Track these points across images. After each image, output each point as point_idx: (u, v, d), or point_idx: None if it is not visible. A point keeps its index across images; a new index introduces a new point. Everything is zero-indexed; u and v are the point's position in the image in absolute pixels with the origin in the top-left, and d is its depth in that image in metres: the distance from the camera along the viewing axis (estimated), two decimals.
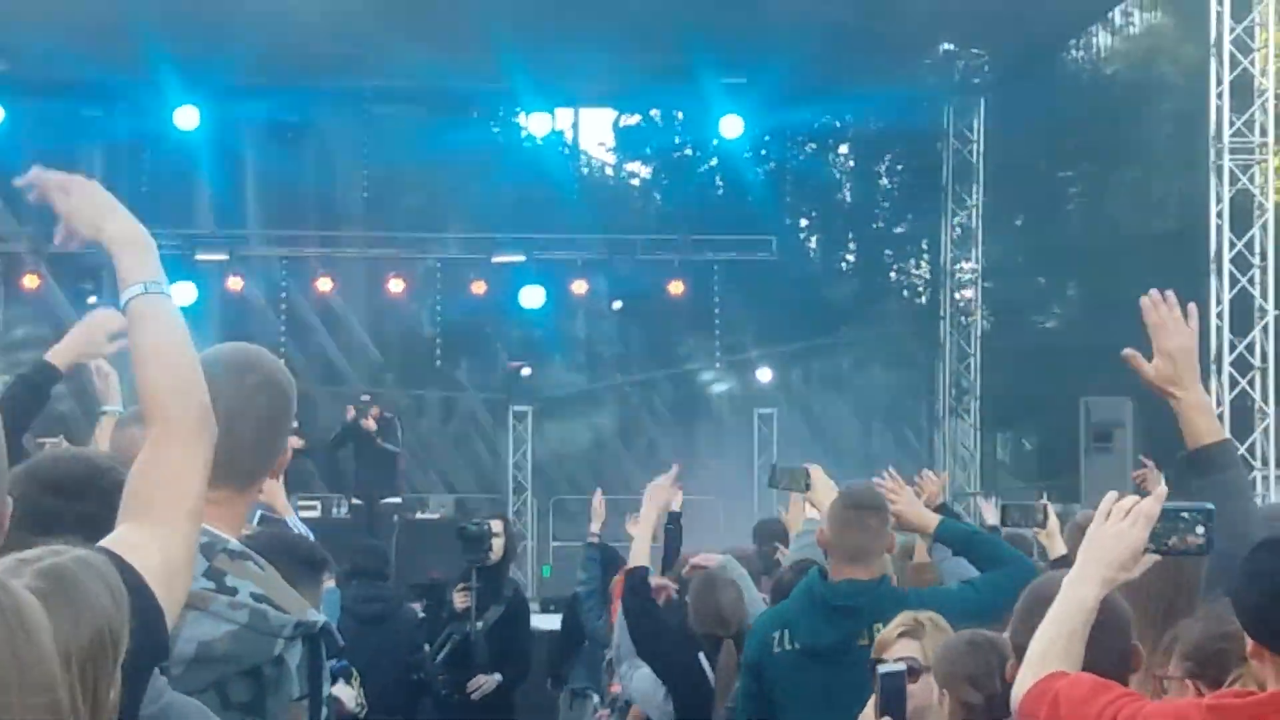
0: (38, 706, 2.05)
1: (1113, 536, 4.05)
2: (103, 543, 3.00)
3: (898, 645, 5.78)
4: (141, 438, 5.48)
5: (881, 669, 5.61)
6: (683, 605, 9.00)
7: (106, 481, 3.41)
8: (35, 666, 2.06)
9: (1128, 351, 4.78)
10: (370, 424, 21.80)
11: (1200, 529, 4.01)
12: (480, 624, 11.58)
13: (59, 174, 3.42)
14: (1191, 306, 4.82)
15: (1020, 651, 4.42)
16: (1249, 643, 3.52)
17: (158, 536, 3.03)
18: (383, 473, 22.04)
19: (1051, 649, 4.02)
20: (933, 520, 7.56)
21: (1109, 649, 4.25)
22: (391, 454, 22.05)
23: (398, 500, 22.22)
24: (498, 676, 11.63)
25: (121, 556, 2.95)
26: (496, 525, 11.95)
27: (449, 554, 12.94)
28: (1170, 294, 4.79)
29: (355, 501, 22.04)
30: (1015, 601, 5.37)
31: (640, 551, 8.79)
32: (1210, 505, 4.07)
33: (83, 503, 3.22)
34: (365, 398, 22.73)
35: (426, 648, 11.55)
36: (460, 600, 11.61)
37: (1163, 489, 4.12)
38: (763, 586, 9.07)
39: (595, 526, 12.18)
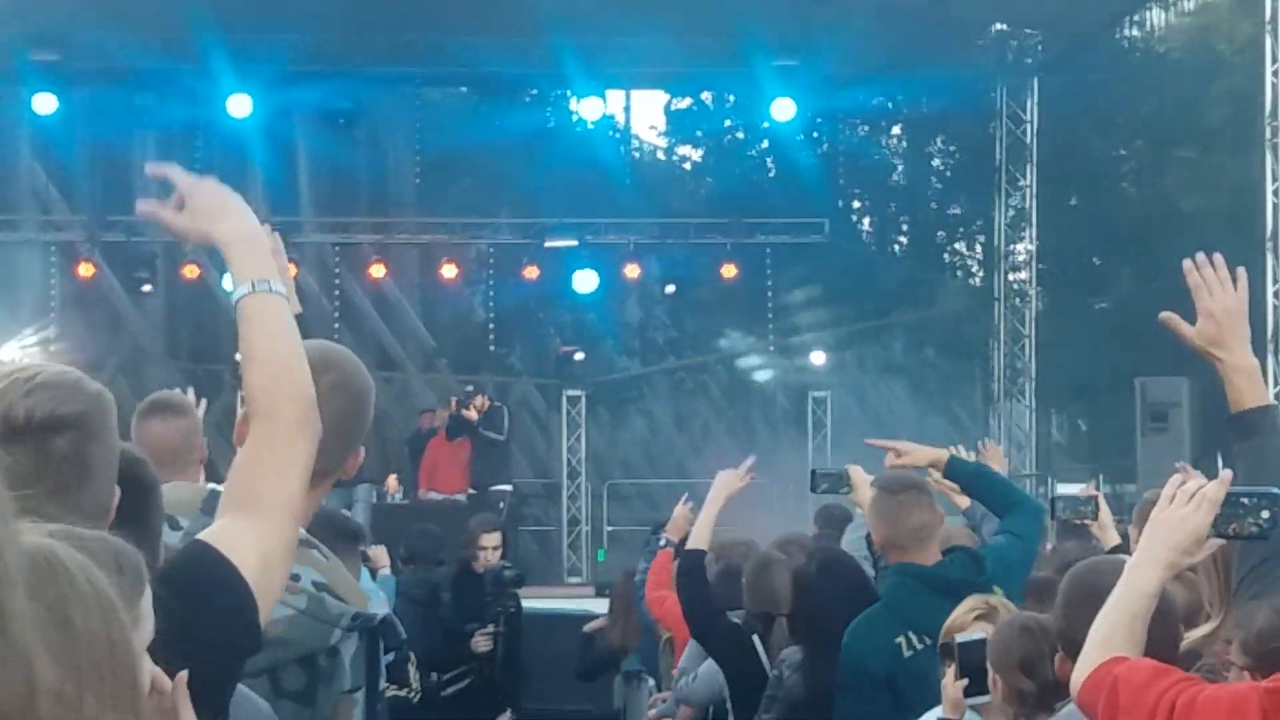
0: (126, 683, 2.06)
1: (1176, 521, 4.01)
2: (202, 535, 3.07)
3: (973, 627, 5.76)
4: (162, 430, 5.51)
5: (960, 638, 5.60)
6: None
7: (120, 462, 3.42)
8: (123, 646, 2.07)
9: (1165, 315, 4.72)
10: (472, 414, 22.13)
11: (1265, 513, 3.97)
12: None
13: (183, 178, 3.42)
14: (1240, 270, 4.72)
15: (1065, 642, 4.39)
16: None
17: (257, 531, 3.07)
18: (491, 461, 22.36)
19: (1114, 634, 3.98)
20: (943, 455, 7.54)
21: (1162, 636, 4.23)
22: (496, 442, 22.30)
23: (508, 488, 22.53)
24: (510, 714, 11.74)
25: (218, 549, 2.98)
26: (495, 538, 11.99)
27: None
28: (1217, 256, 4.70)
29: (471, 490, 22.33)
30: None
31: (702, 534, 8.83)
32: (1276, 490, 4.02)
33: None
34: (469, 388, 23.08)
35: (434, 676, 11.37)
36: (483, 643, 11.56)
37: (1227, 473, 4.08)
38: None
39: (673, 534, 11.88)
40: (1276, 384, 18.60)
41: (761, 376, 28.58)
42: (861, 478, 8.10)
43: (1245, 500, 3.99)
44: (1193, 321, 4.69)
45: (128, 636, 2.09)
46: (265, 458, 3.15)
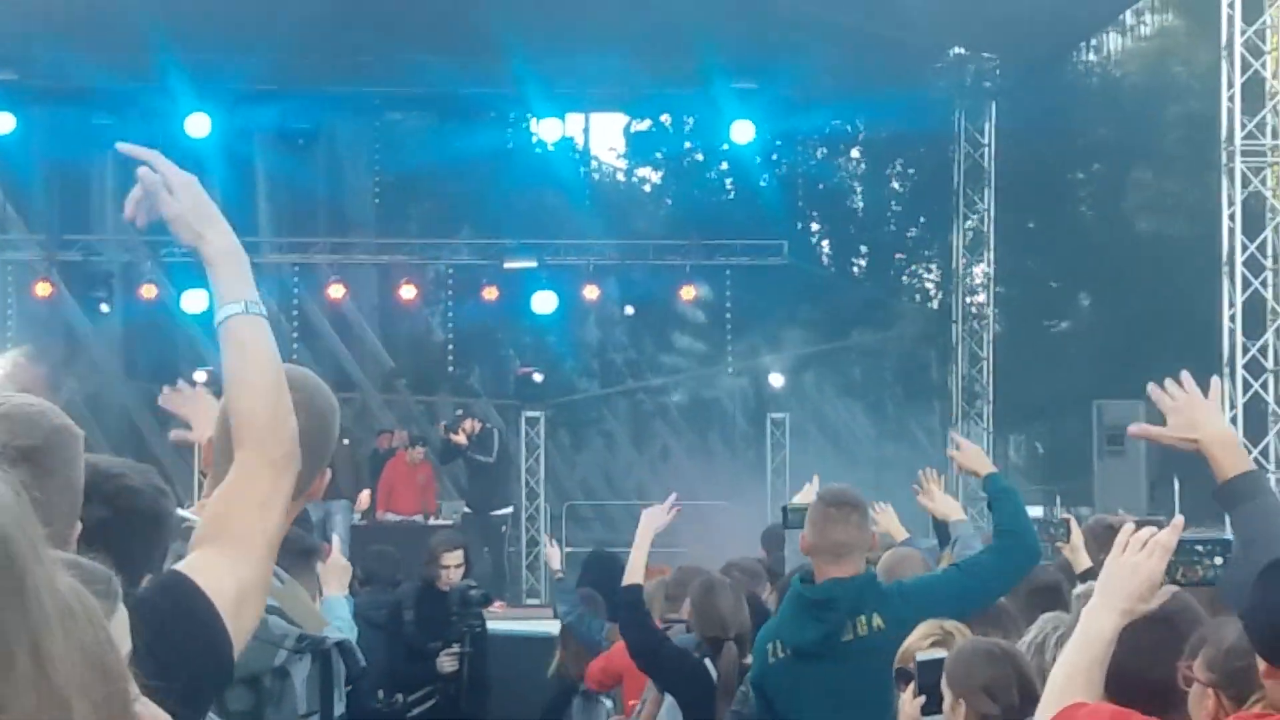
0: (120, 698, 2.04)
1: (1130, 568, 4.06)
2: (179, 566, 3.03)
3: (928, 652, 5.78)
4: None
5: (920, 656, 5.63)
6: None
7: (110, 487, 3.39)
8: (116, 666, 2.05)
9: (1134, 428, 4.87)
10: (460, 438, 22.28)
11: (1218, 559, 4.01)
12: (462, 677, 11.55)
13: (170, 169, 3.35)
14: (1185, 375, 4.84)
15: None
16: (1262, 664, 3.50)
17: (234, 563, 3.02)
18: (486, 484, 22.63)
19: (1072, 680, 4.02)
20: (988, 468, 7.72)
21: (1158, 659, 4.25)
22: (487, 465, 22.41)
23: (508, 510, 22.64)
24: None
25: (195, 581, 2.95)
26: (457, 556, 11.92)
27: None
28: (1185, 375, 4.83)
29: (466, 511, 22.60)
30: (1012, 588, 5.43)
31: (636, 569, 8.87)
32: (1227, 536, 4.07)
33: (88, 509, 3.21)
34: (458, 412, 23.16)
35: (400, 698, 11.31)
36: (449, 663, 11.49)
37: (1179, 520, 4.12)
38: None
39: (555, 565, 12.27)
40: (1232, 408, 18.69)
41: (720, 398, 28.61)
42: None
43: (1199, 546, 4.04)
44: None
45: (119, 654, 2.08)
46: (249, 490, 3.10)
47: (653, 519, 9.02)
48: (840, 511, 7.12)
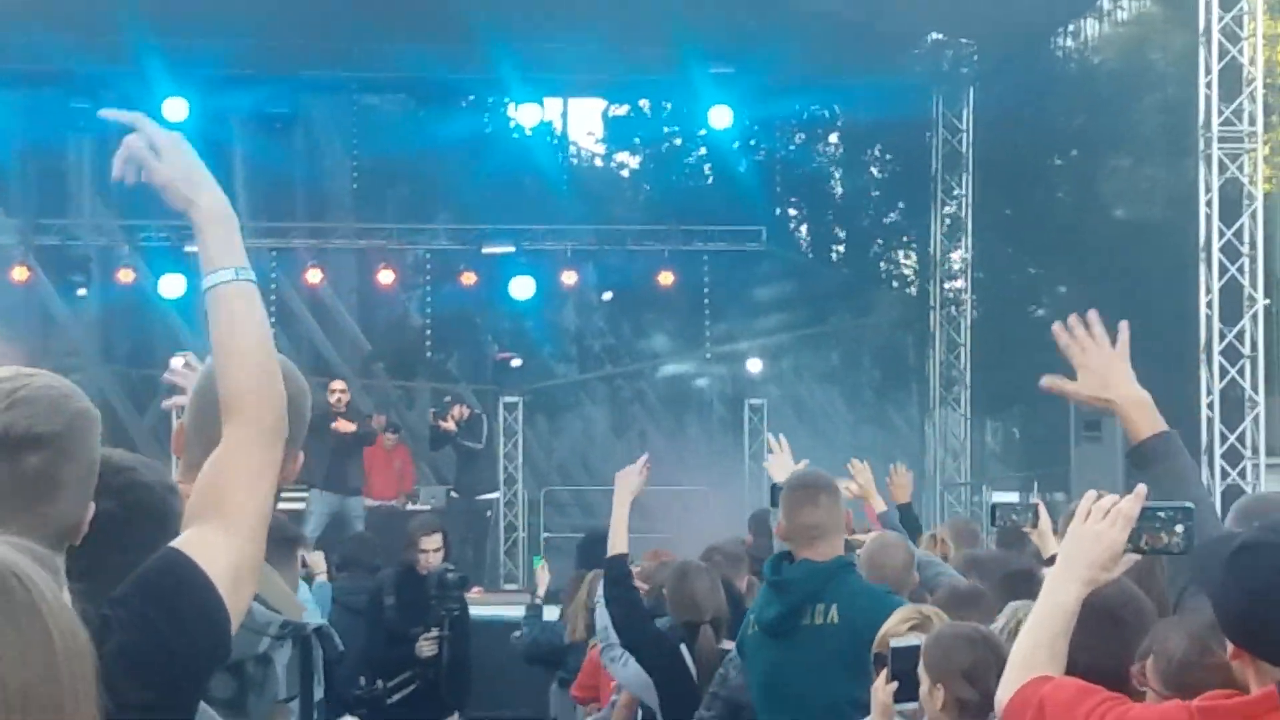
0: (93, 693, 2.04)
1: (1091, 537, 4.04)
2: (175, 543, 3.00)
3: (906, 636, 5.79)
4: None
5: (894, 643, 5.64)
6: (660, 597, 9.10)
7: (120, 481, 3.37)
8: (90, 654, 2.05)
9: (1047, 381, 4.86)
10: (449, 425, 22.40)
11: (1179, 527, 4.01)
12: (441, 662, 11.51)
13: (155, 130, 3.30)
14: (1091, 314, 4.89)
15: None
16: (1230, 645, 3.50)
17: (229, 539, 3.00)
18: (474, 470, 22.76)
19: (1035, 653, 4.01)
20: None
21: (1132, 642, 4.25)
22: (476, 451, 22.55)
23: (494, 495, 22.72)
24: (457, 717, 11.69)
25: (192, 559, 2.93)
26: (436, 540, 11.87)
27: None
28: (1091, 313, 4.88)
29: (453, 496, 22.73)
30: None
31: (618, 540, 8.84)
32: (1190, 504, 4.06)
33: (98, 500, 3.19)
34: (447, 399, 23.24)
35: (380, 683, 11.28)
36: (428, 648, 11.47)
37: (1142, 488, 4.11)
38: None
39: (541, 590, 12.43)
40: (1209, 394, 18.73)
41: (698, 384, 28.61)
42: None
43: (1161, 514, 4.03)
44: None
45: (89, 646, 2.07)
46: (241, 463, 3.07)
47: (627, 482, 8.96)
48: (807, 494, 7.19)
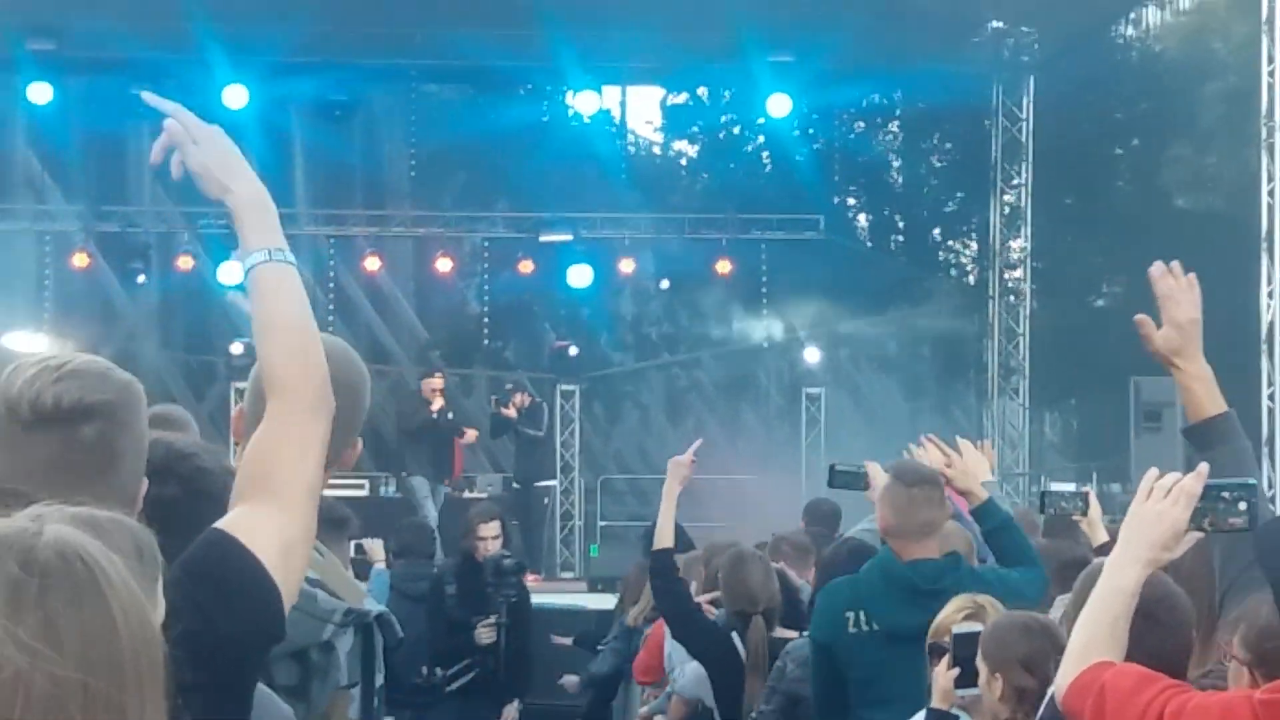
0: (160, 677, 2.02)
1: (1153, 516, 3.99)
2: (220, 524, 2.99)
3: (963, 625, 5.77)
4: None
5: (956, 629, 5.61)
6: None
7: (186, 467, 3.39)
8: (155, 641, 2.04)
9: (1140, 317, 4.80)
10: (510, 411, 22.56)
11: (1243, 505, 3.95)
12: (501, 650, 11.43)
13: (193, 121, 3.35)
14: (1192, 277, 4.84)
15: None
16: None
17: (276, 518, 2.99)
18: (533, 457, 22.97)
19: (1095, 638, 3.96)
20: (982, 495, 7.56)
21: (1167, 641, 4.21)
22: (537, 439, 22.78)
23: (552, 483, 22.82)
24: (517, 704, 11.56)
25: (238, 539, 2.93)
26: (494, 527, 11.74)
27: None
28: (1175, 265, 4.83)
29: (515, 485, 22.92)
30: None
31: (665, 532, 8.81)
32: (1253, 481, 4.01)
33: (161, 487, 3.19)
34: (508, 386, 23.28)
35: (439, 672, 11.12)
36: (486, 635, 11.33)
37: (1205, 466, 4.07)
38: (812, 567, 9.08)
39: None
40: (1270, 385, 18.61)
41: (755, 373, 28.57)
42: (880, 475, 8.11)
43: (1224, 494, 3.98)
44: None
45: (158, 632, 2.06)
46: (284, 438, 3.07)
47: (676, 472, 8.92)
48: (923, 490, 7.08)
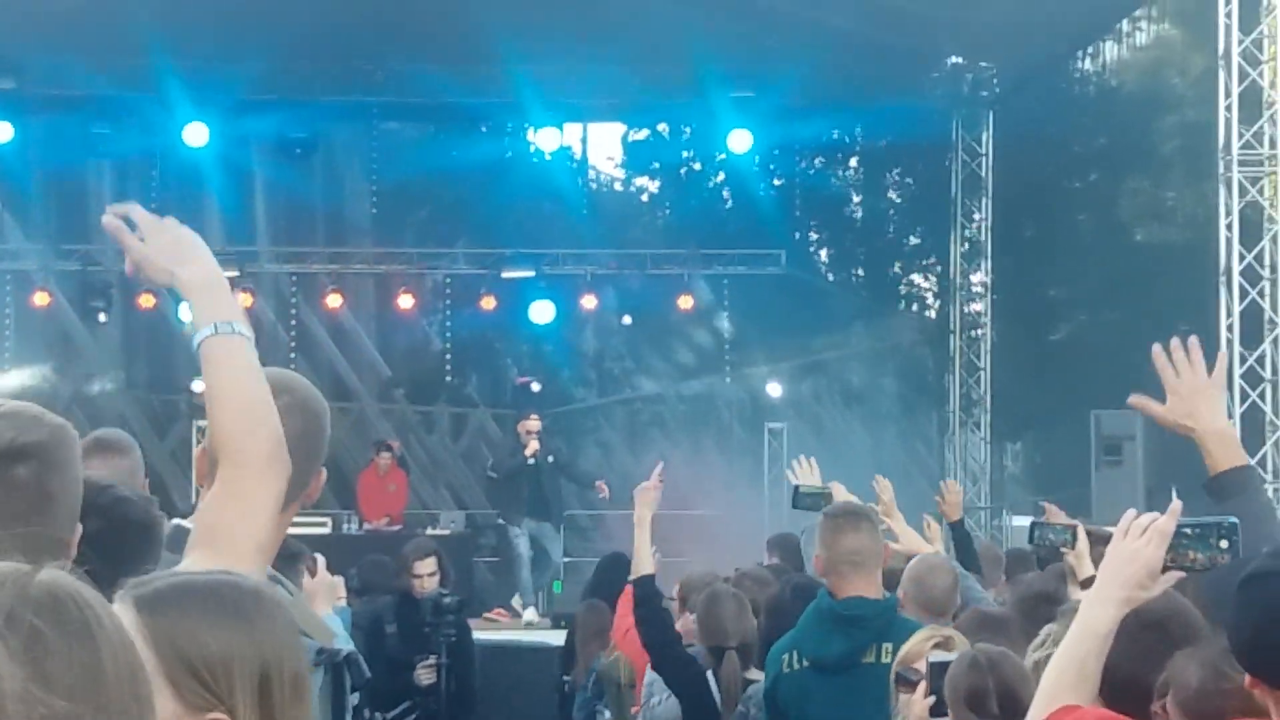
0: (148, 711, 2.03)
1: (1129, 555, 3.98)
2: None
3: (931, 654, 5.78)
4: (103, 469, 5.48)
5: (932, 658, 5.61)
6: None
7: (104, 499, 3.43)
8: (144, 678, 2.04)
9: (1135, 399, 4.81)
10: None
11: (1224, 543, 3.95)
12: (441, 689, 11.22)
13: (145, 216, 3.41)
14: (1193, 341, 4.84)
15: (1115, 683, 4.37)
16: (1246, 676, 3.47)
17: (225, 566, 3.00)
18: (520, 495, 22.23)
19: (1062, 679, 3.95)
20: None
21: (1151, 663, 4.22)
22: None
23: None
24: None
25: None
26: (430, 564, 11.56)
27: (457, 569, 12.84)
28: (1192, 339, 4.83)
29: (500, 523, 22.03)
30: None
31: (643, 558, 8.79)
32: (1234, 518, 4.01)
33: (85, 523, 3.22)
34: (492, 472, 22.58)
35: (379, 716, 10.84)
36: (426, 676, 11.17)
37: (1178, 504, 4.07)
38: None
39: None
40: (1230, 417, 18.68)
41: (718, 408, 28.58)
42: (844, 495, 8.18)
43: (1201, 530, 3.98)
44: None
45: (148, 676, 2.06)
46: (233, 500, 3.14)
47: (645, 498, 8.90)
48: (849, 520, 7.13)
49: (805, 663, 7.07)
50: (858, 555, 7.05)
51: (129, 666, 2.01)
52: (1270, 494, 18.45)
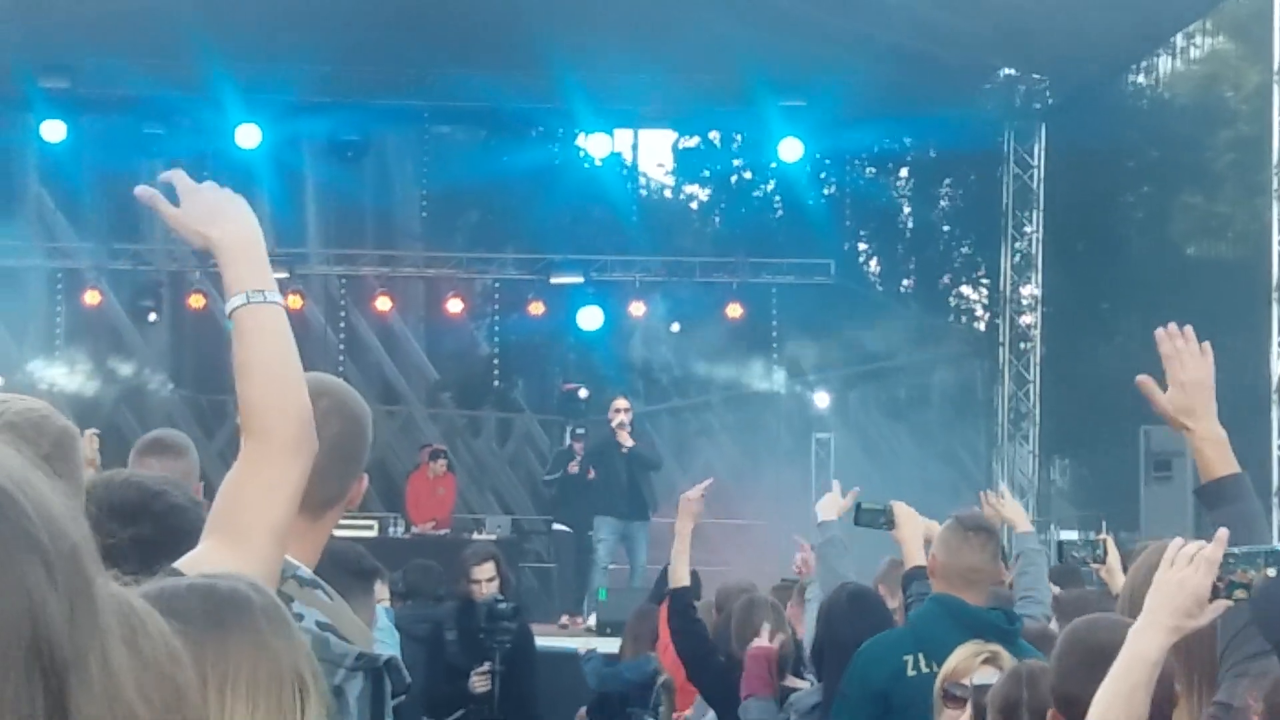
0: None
1: (1176, 584, 3.97)
2: (178, 563, 2.98)
3: (980, 672, 5.76)
4: (159, 469, 5.46)
5: (977, 679, 5.58)
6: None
7: (159, 505, 3.40)
8: (195, 693, 2.02)
9: (1142, 378, 4.78)
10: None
11: (1272, 570, 3.94)
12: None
13: (184, 181, 3.37)
14: (1206, 345, 4.80)
15: (1058, 697, 4.36)
16: None
17: (237, 557, 2.98)
18: (586, 498, 22.05)
19: (1111, 709, 3.94)
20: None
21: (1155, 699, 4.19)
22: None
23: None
24: None
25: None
26: (488, 569, 11.45)
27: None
28: (1188, 329, 4.79)
29: (559, 527, 21.87)
30: None
31: (680, 571, 8.79)
32: (1275, 546, 4.00)
33: (136, 527, 3.20)
34: (580, 430, 22.27)
35: None
36: (480, 684, 11.03)
37: (1224, 532, 4.05)
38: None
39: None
40: (1279, 436, 18.57)
41: (765, 417, 28.51)
42: (905, 513, 8.10)
43: (1248, 557, 3.97)
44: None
45: (193, 685, 2.05)
46: (252, 478, 3.08)
47: (688, 508, 8.89)
48: (978, 537, 7.05)
49: (936, 668, 6.92)
50: (976, 573, 6.99)
51: (174, 688, 1.99)
52: None
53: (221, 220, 3.31)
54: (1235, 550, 3.98)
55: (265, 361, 3.18)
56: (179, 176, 3.37)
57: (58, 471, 2.93)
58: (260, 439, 3.11)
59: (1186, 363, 4.73)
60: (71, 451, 3.02)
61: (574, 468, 20.88)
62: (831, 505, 8.43)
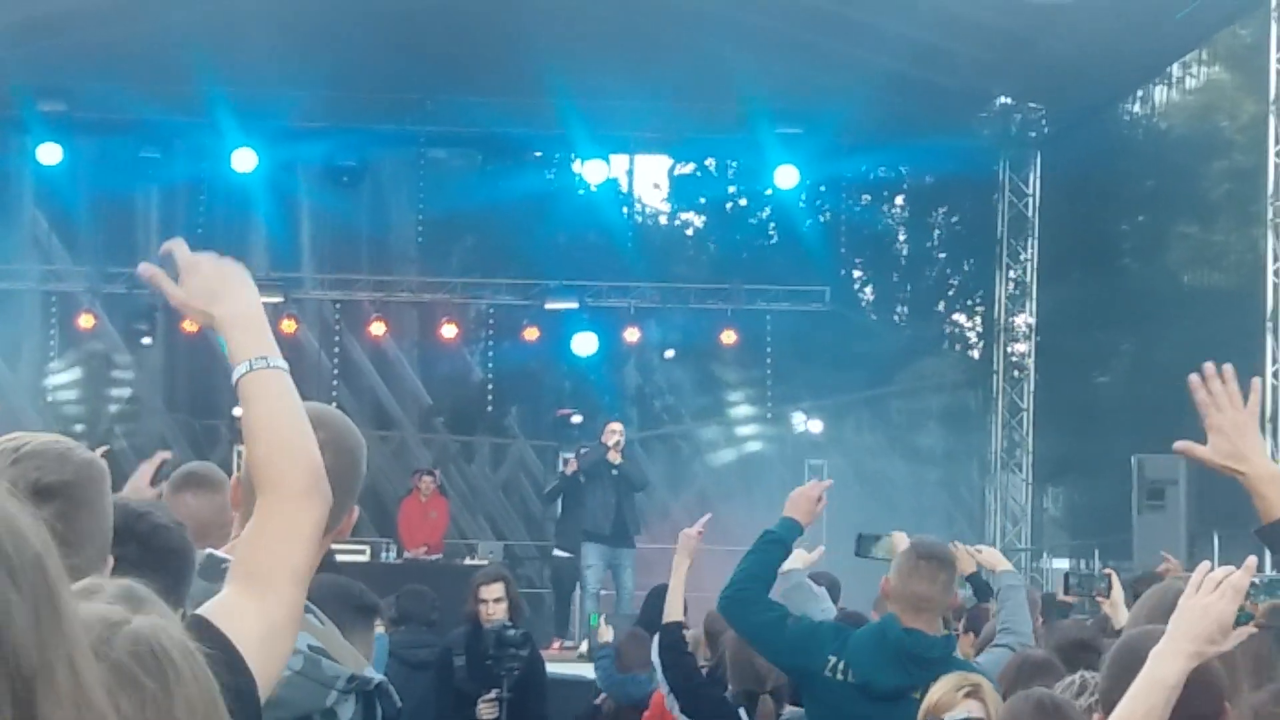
0: None
1: (1200, 610, 3.96)
2: (202, 609, 3.04)
3: (962, 705, 5.74)
4: (194, 503, 5.51)
5: (960, 712, 5.57)
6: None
7: (143, 526, 3.43)
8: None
9: (1179, 445, 4.67)
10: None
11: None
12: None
13: (184, 256, 3.43)
14: (1255, 381, 4.67)
15: (1106, 704, 4.34)
16: None
17: (261, 604, 3.04)
18: (579, 522, 21.98)
19: None
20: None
21: (1200, 712, 4.18)
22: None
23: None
24: None
25: (216, 625, 2.95)
26: (496, 589, 11.35)
27: None
28: (1227, 368, 4.63)
29: (558, 553, 21.82)
30: None
31: (674, 605, 8.79)
32: None
33: (122, 548, 3.22)
34: (584, 450, 22.13)
35: None
36: (487, 711, 10.95)
37: (1252, 559, 4.03)
38: None
39: (607, 639, 12.56)
40: (1274, 462, 18.54)
41: (759, 444, 28.51)
42: (905, 544, 8.11)
43: (1267, 586, 3.97)
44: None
45: (225, 715, 2.07)
46: (270, 531, 3.13)
47: (686, 545, 8.93)
48: (929, 566, 7.08)
49: (852, 679, 7.01)
50: (922, 601, 7.03)
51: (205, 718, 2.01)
52: None
53: (223, 297, 3.39)
54: (1258, 578, 3.97)
55: (271, 425, 3.26)
56: (179, 247, 3.42)
57: (80, 499, 2.95)
58: (271, 491, 3.17)
59: (1224, 406, 4.60)
60: (94, 483, 3.05)
61: (572, 466, 20.88)
62: (797, 559, 8.44)
